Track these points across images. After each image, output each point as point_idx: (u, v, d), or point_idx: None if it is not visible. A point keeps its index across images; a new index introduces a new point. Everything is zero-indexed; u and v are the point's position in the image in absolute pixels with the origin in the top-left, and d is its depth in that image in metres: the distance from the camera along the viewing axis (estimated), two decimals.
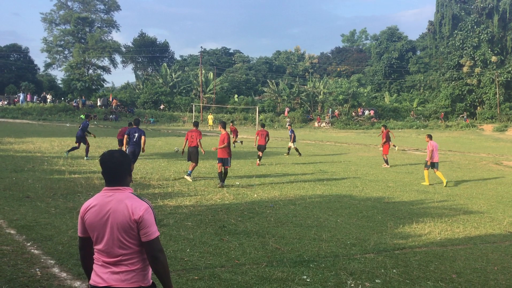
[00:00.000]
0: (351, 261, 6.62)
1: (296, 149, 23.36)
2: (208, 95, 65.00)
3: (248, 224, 8.57)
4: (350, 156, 24.64)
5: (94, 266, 3.07)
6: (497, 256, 7.46)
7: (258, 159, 18.89)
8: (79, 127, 18.25)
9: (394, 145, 30.21)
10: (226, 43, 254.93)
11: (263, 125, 21.56)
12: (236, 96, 67.44)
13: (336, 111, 59.20)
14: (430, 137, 16.17)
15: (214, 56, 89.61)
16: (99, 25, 70.55)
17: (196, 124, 14.47)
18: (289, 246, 7.25)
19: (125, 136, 14.08)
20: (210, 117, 48.75)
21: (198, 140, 13.75)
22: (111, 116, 51.31)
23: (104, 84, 63.61)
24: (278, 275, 5.88)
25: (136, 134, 13.82)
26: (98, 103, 56.14)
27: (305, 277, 5.88)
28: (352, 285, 5.66)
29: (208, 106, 60.79)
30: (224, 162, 12.84)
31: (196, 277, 5.69)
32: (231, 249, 6.96)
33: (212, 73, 69.16)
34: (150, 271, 3.10)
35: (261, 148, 19.30)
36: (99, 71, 63.11)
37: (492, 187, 15.28)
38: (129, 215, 2.94)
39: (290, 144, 23.65)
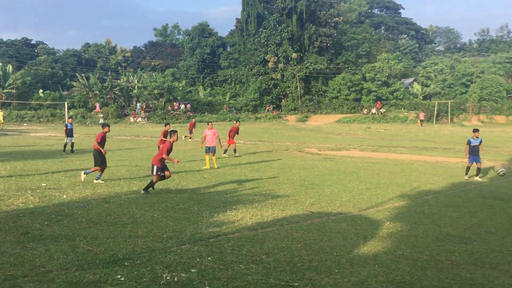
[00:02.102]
0: (167, 254, 6.59)
1: (65, 145, 22.00)
2: (8, 90, 58.40)
3: (56, 228, 7.92)
4: None
5: None
6: (300, 234, 8.17)
7: None
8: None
9: (186, 136, 31.55)
10: (27, 34, 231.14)
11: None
12: (41, 91, 61.91)
13: (143, 103, 58.48)
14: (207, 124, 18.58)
15: (14, 48, 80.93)
16: None
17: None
18: (102, 247, 6.91)
19: None
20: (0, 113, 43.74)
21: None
22: None
23: None
24: (89, 278, 5.55)
25: None
26: None
27: (119, 276, 5.67)
28: (168, 277, 5.64)
29: (9, 102, 54.66)
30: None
31: None
32: (35, 256, 6.33)
33: (11, 66, 62.27)
34: None
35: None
36: None
37: (296, 172, 16.75)
38: None
39: (66, 140, 22.00)
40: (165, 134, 19.06)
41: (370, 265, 6.54)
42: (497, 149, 27.82)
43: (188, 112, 59.21)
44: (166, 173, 12.11)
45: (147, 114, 56.78)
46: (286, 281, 5.76)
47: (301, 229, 8.55)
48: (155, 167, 11.90)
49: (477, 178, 16.25)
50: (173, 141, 12.17)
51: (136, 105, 58.74)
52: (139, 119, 55.56)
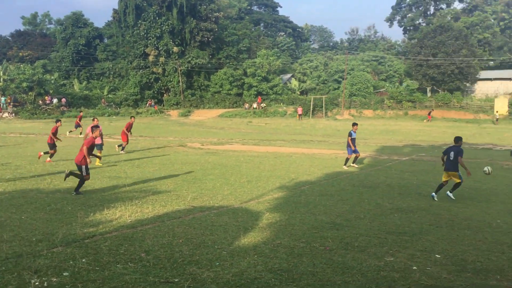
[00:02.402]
0: (37, 258, 6.12)
1: None
2: None
3: None
4: (39, 146, 22.92)
5: None
6: (182, 229, 8.09)
7: None
8: None
9: (71, 131, 30.35)
10: None
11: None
12: None
13: (8, 97, 53.78)
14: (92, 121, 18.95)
15: None
16: None
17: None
18: None
19: None
20: None
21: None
22: None
23: None
24: None
25: None
26: None
27: None
28: (37, 283, 5.24)
29: None
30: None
31: None
32: None
33: None
34: None
35: None
36: None
37: (178, 167, 16.57)
38: None
39: None
40: (55, 132, 17.92)
41: (250, 255, 6.68)
42: (366, 141, 30.16)
43: (62, 107, 55.60)
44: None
45: (15, 109, 52.24)
46: (166, 277, 5.65)
47: (183, 224, 8.48)
48: (83, 167, 11.25)
49: (353, 165, 17.70)
50: (95, 137, 11.81)
51: (1, 99, 53.69)
52: (6, 114, 50.96)
